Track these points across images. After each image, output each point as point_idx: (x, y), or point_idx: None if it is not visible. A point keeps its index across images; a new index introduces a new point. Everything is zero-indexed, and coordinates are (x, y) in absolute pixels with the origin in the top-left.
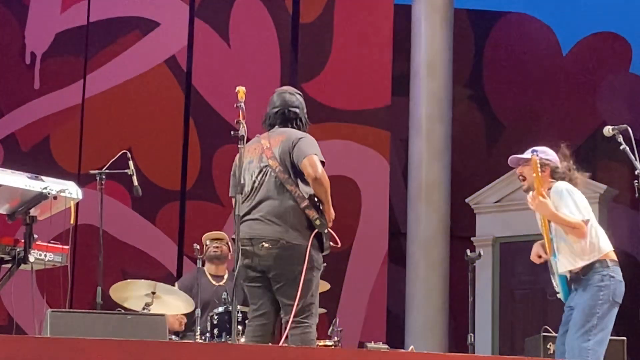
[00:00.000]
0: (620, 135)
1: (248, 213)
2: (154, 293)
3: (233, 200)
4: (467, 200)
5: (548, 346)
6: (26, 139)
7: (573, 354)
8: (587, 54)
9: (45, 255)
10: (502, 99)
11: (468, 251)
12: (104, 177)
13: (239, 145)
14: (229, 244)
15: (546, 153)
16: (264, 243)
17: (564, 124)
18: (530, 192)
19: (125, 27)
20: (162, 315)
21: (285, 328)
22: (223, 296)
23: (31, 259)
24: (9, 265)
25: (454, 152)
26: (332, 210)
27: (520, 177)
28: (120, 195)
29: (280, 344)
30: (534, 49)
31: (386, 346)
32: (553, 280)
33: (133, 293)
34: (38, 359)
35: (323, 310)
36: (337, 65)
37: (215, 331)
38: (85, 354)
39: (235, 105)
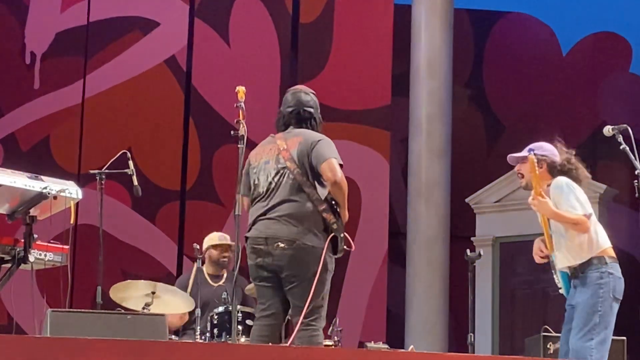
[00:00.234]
0: (620, 135)
1: (264, 214)
2: (153, 293)
3: (244, 198)
4: (467, 200)
5: (548, 346)
6: (26, 139)
7: (576, 354)
8: (587, 54)
9: (45, 255)
10: (502, 99)
11: (468, 251)
12: (103, 177)
13: (239, 145)
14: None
15: (542, 148)
16: (279, 243)
17: (564, 123)
18: (531, 193)
19: (125, 27)
20: (162, 315)
21: (293, 329)
22: (223, 296)
23: (31, 258)
24: (8, 265)
25: (454, 152)
26: (347, 214)
27: (519, 175)
28: (120, 195)
29: (289, 344)
30: (534, 49)
31: (386, 346)
32: (555, 276)
33: (133, 293)
34: (38, 359)
35: None
36: (337, 65)
37: (215, 331)
38: (85, 354)
39: (235, 105)
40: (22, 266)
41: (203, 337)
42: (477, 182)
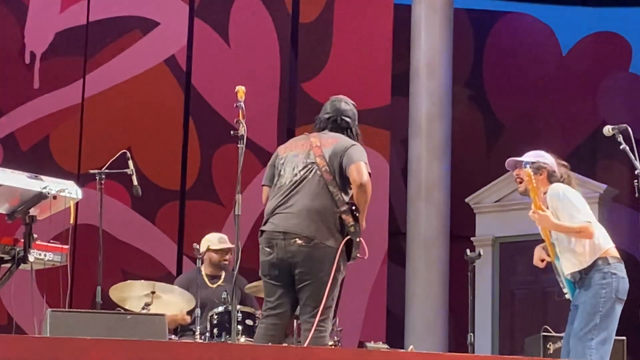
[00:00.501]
0: (620, 135)
1: (283, 204)
2: (153, 293)
3: (265, 188)
4: (467, 200)
5: (548, 346)
6: (26, 139)
7: (576, 353)
8: (587, 54)
9: (45, 255)
10: (502, 99)
11: (468, 251)
12: (103, 176)
13: (238, 145)
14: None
15: (543, 157)
16: (297, 239)
17: (564, 123)
18: (531, 206)
19: (124, 26)
20: (162, 315)
21: (298, 326)
22: (223, 296)
23: (31, 258)
24: (8, 265)
25: (454, 152)
26: (364, 222)
27: (518, 180)
28: (120, 195)
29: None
30: (534, 49)
31: (386, 346)
32: (559, 281)
33: (132, 293)
34: (38, 359)
35: None
36: (337, 65)
37: (215, 331)
38: (85, 354)
39: (234, 105)
40: (22, 266)
41: (203, 337)
42: (477, 182)
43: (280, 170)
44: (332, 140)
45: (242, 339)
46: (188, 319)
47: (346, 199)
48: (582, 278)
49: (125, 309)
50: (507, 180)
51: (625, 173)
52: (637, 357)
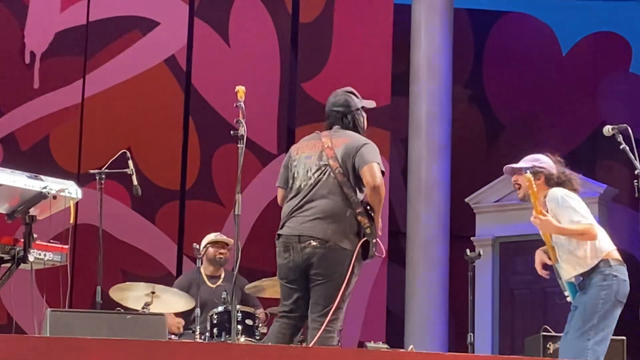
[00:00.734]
0: (620, 135)
1: (299, 208)
2: (153, 293)
3: (280, 190)
4: (467, 200)
5: (548, 346)
6: (26, 139)
7: (572, 353)
8: (587, 54)
9: (45, 255)
10: (502, 99)
11: (468, 251)
12: (103, 176)
13: (238, 145)
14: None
15: (540, 160)
16: (311, 241)
17: (564, 123)
18: (532, 212)
19: (124, 26)
20: (162, 315)
21: (307, 324)
22: (223, 296)
23: (31, 258)
24: (8, 265)
25: (454, 152)
26: (380, 221)
27: (516, 186)
28: (120, 194)
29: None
30: (534, 49)
31: (386, 346)
32: (560, 284)
33: (132, 294)
34: (38, 359)
35: None
36: (337, 65)
37: (215, 331)
38: (85, 354)
39: (234, 105)
40: (22, 266)
41: (202, 337)
42: (477, 182)
43: (294, 173)
44: (343, 140)
45: (242, 339)
46: (181, 327)
47: (361, 197)
48: (583, 280)
49: (125, 309)
50: (507, 181)
51: (625, 173)
52: (637, 357)
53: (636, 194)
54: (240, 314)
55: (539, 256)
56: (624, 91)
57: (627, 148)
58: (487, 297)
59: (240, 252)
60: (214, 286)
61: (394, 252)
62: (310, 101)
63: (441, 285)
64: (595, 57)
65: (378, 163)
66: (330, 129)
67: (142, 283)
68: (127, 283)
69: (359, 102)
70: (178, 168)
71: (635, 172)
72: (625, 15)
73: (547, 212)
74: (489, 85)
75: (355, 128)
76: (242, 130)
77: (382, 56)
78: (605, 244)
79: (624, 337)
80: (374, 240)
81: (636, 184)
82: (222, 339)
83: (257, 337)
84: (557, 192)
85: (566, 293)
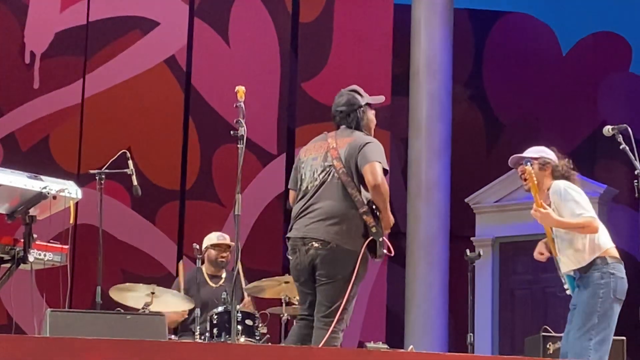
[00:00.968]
0: (620, 135)
1: (304, 210)
2: (153, 293)
3: (291, 192)
4: (467, 200)
5: (548, 346)
6: (25, 139)
7: (574, 354)
8: (587, 54)
9: (45, 255)
10: (502, 99)
11: (468, 251)
12: (103, 176)
13: (238, 145)
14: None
15: (545, 152)
16: (313, 243)
17: (564, 123)
18: (533, 205)
19: (124, 26)
20: (162, 314)
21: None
22: (223, 296)
23: (30, 258)
24: (8, 265)
25: (454, 152)
26: (391, 217)
27: (523, 177)
28: (120, 195)
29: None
30: (534, 49)
31: (386, 346)
32: (561, 277)
33: (132, 294)
34: (37, 359)
35: None
36: (337, 65)
37: (215, 331)
38: (85, 354)
39: (234, 105)
40: (22, 266)
41: (202, 337)
42: (477, 182)
43: (302, 175)
44: (346, 140)
45: (242, 339)
46: (185, 314)
47: (367, 196)
48: (581, 277)
49: (125, 309)
50: (507, 180)
51: (625, 173)
52: (636, 357)
53: (636, 194)
54: (240, 314)
55: (540, 246)
56: (624, 91)
57: (627, 148)
58: (487, 297)
59: (240, 252)
60: (215, 286)
61: (394, 252)
62: (310, 101)
63: (441, 285)
64: (595, 57)
65: (379, 162)
66: (338, 129)
67: (141, 284)
68: (127, 284)
69: (363, 99)
70: (178, 168)
71: (635, 172)
72: (625, 15)
73: (549, 204)
74: (489, 85)
75: (359, 126)
76: (242, 131)
77: (382, 56)
78: (604, 241)
79: (624, 337)
80: (381, 240)
81: (636, 184)
82: (222, 339)
83: (257, 337)
84: (560, 184)
85: (566, 286)
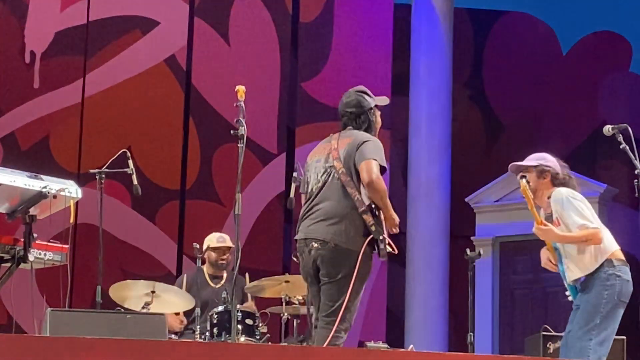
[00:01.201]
0: (620, 135)
1: (308, 212)
2: (153, 292)
3: (302, 195)
4: (467, 200)
5: (548, 345)
6: (26, 138)
7: (574, 353)
8: (587, 53)
9: (45, 254)
10: (502, 98)
11: (468, 250)
12: (103, 176)
13: (238, 145)
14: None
15: (545, 159)
16: (313, 243)
17: (564, 123)
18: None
19: (125, 26)
20: (162, 314)
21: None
22: (223, 295)
23: (31, 258)
24: (8, 265)
25: (454, 151)
26: (394, 215)
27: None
28: (120, 194)
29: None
30: (534, 48)
31: (386, 345)
32: (565, 283)
33: (132, 292)
34: (38, 359)
35: None
36: (337, 65)
37: (215, 330)
38: (85, 354)
39: (234, 104)
40: (22, 265)
41: (203, 337)
42: (477, 182)
43: (307, 178)
44: (347, 140)
45: (242, 339)
46: (184, 321)
47: (366, 198)
48: (586, 280)
49: (125, 309)
50: (507, 180)
51: (625, 173)
52: (637, 357)
53: (636, 194)
54: (240, 314)
55: (545, 255)
56: (624, 91)
57: (627, 148)
58: (487, 297)
59: (240, 252)
60: (216, 286)
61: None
62: (310, 101)
63: (441, 285)
64: (595, 57)
65: (375, 159)
66: (344, 128)
67: (141, 281)
68: (127, 281)
69: (371, 101)
70: (178, 167)
71: (635, 172)
72: (625, 15)
73: (550, 212)
74: (489, 85)
75: (369, 128)
76: (242, 130)
77: (382, 56)
78: (609, 244)
79: (624, 337)
80: (381, 238)
81: (636, 183)
82: (222, 339)
83: (257, 337)
84: (562, 192)
85: (567, 293)
